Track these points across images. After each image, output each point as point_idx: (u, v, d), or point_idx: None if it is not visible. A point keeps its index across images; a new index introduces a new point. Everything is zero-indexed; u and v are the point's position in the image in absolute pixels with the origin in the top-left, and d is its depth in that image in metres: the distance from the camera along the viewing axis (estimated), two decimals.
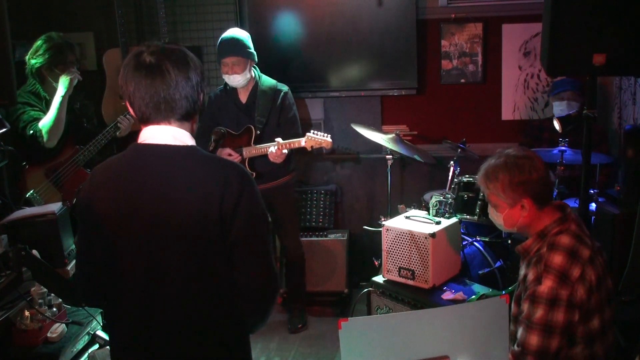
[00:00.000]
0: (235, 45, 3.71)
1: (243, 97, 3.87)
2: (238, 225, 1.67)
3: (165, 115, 1.73)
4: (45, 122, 3.35)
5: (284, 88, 3.89)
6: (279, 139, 3.66)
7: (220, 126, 3.86)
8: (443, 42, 4.37)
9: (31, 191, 3.38)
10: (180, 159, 1.72)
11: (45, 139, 3.34)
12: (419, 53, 4.37)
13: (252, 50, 3.78)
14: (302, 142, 3.64)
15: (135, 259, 1.71)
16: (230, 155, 3.78)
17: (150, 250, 1.69)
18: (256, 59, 3.82)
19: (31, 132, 3.32)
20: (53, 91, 3.49)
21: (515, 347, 2.10)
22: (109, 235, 1.72)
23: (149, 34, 4.58)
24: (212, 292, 1.72)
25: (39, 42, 3.46)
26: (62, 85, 3.39)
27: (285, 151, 3.66)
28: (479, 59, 4.36)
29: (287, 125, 3.84)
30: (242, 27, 4.39)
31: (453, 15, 4.31)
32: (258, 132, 3.79)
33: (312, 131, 3.67)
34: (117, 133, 3.64)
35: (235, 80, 3.75)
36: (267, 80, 3.89)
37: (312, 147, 3.65)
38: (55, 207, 2.59)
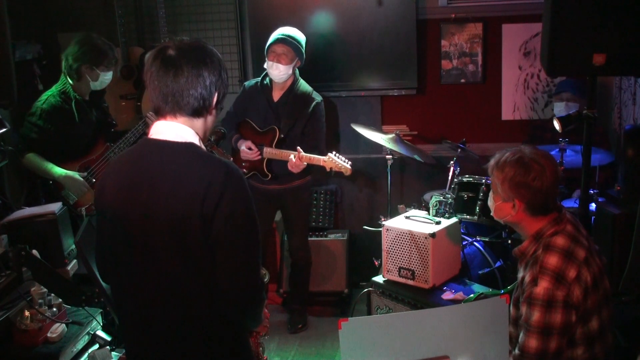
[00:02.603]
0: (290, 37, 3.73)
1: (276, 96, 3.86)
2: (218, 226, 1.67)
3: (171, 109, 1.76)
4: (32, 165, 3.37)
5: (318, 98, 3.87)
6: (301, 150, 3.61)
7: (247, 118, 3.89)
8: (443, 42, 4.37)
9: (65, 189, 3.40)
10: (175, 155, 1.75)
11: (23, 162, 3.37)
12: (419, 53, 4.37)
13: (304, 52, 3.79)
14: (322, 161, 3.58)
15: (130, 248, 1.76)
16: (250, 148, 3.78)
17: (142, 242, 1.73)
18: (303, 62, 3.83)
19: (20, 146, 3.36)
20: (86, 90, 3.54)
21: (516, 351, 2.10)
22: (110, 223, 1.79)
23: (149, 34, 4.58)
24: (200, 288, 1.73)
25: (77, 42, 3.47)
26: (67, 185, 3.40)
27: (304, 163, 3.63)
28: (479, 59, 4.36)
29: (311, 136, 3.81)
30: (242, 27, 4.41)
31: (453, 15, 4.31)
32: (282, 135, 3.78)
33: (334, 153, 3.60)
34: (146, 130, 3.66)
35: (278, 70, 3.72)
36: (304, 86, 3.88)
37: (331, 168, 3.59)
38: (55, 207, 2.59)
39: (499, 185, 2.21)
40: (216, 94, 1.81)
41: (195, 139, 1.78)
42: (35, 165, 3.36)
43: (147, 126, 3.66)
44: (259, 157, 3.80)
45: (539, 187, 2.13)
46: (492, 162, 2.26)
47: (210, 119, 1.85)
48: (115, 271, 1.83)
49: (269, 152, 3.77)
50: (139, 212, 1.72)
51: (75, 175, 3.41)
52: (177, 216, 1.67)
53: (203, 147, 1.82)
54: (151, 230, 1.71)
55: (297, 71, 3.86)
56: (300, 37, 3.79)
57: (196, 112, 1.78)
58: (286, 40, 3.72)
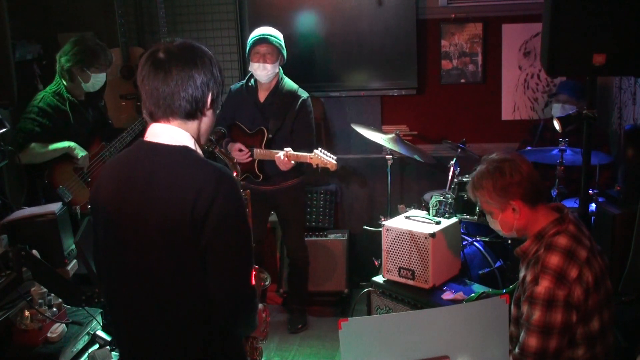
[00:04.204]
0: (271, 37, 3.72)
1: (262, 96, 3.85)
2: (208, 232, 1.64)
3: (164, 113, 1.74)
4: (38, 152, 3.36)
5: (304, 95, 3.86)
6: (289, 149, 3.64)
7: (236, 121, 3.89)
8: (443, 42, 4.38)
9: (60, 187, 3.42)
10: (168, 159, 1.73)
11: (22, 158, 3.35)
12: (419, 53, 4.37)
13: (284, 49, 3.78)
14: (309, 158, 3.61)
15: (121, 251, 1.75)
16: (240, 150, 3.79)
17: (133, 246, 1.72)
18: (285, 60, 3.82)
19: (20, 141, 3.34)
20: (78, 92, 3.55)
21: (516, 350, 2.10)
22: (104, 225, 1.78)
23: (149, 34, 4.58)
24: (191, 293, 1.71)
25: (70, 43, 3.49)
26: (78, 149, 3.42)
27: (292, 162, 3.65)
28: (479, 59, 4.36)
29: (300, 133, 3.82)
30: (242, 27, 4.40)
31: (453, 15, 4.31)
32: (270, 135, 3.78)
33: (320, 149, 3.63)
34: (143, 129, 3.65)
35: (265, 70, 3.71)
36: (289, 84, 3.87)
37: (317, 165, 3.62)
38: (55, 207, 2.59)
39: (489, 202, 2.22)
40: (210, 94, 1.78)
41: (189, 142, 1.76)
42: (40, 151, 3.36)
43: (143, 126, 3.67)
44: (250, 158, 3.80)
45: (520, 178, 2.16)
46: (468, 190, 2.30)
47: (205, 120, 1.81)
48: (108, 272, 1.82)
49: (259, 153, 3.77)
50: (131, 215, 1.71)
51: (82, 148, 3.44)
52: (168, 221, 1.65)
53: (199, 150, 1.79)
54: (143, 234, 1.69)
55: (281, 70, 3.86)
56: (280, 35, 3.79)
57: (189, 114, 1.75)
58: (268, 40, 3.71)
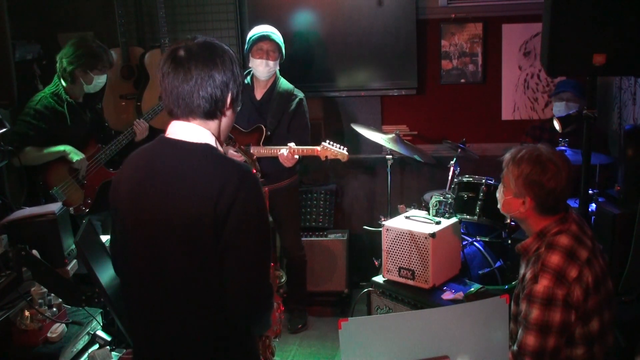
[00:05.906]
0: (274, 34, 3.73)
1: (258, 94, 3.85)
2: (229, 230, 1.64)
3: (183, 112, 1.74)
4: (33, 155, 3.37)
5: (300, 94, 3.88)
6: (292, 144, 3.63)
7: None
8: (443, 42, 4.38)
9: (54, 188, 3.42)
10: (190, 156, 1.72)
11: (22, 159, 3.31)
12: (419, 53, 4.37)
13: (284, 48, 3.79)
14: (316, 150, 3.61)
15: (139, 246, 1.74)
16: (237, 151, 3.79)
17: (152, 241, 1.72)
18: (284, 59, 3.82)
19: (15, 144, 3.29)
20: (79, 93, 3.56)
21: (515, 347, 2.10)
22: (122, 219, 1.78)
23: (149, 34, 4.59)
24: (207, 290, 1.71)
25: (72, 45, 3.48)
26: (73, 153, 3.44)
27: (296, 156, 3.65)
28: (479, 59, 4.36)
29: (297, 132, 3.82)
30: (242, 27, 4.41)
31: (453, 15, 4.31)
32: (268, 133, 3.78)
33: (327, 141, 3.62)
34: (134, 138, 3.65)
35: (268, 66, 3.71)
36: (285, 83, 3.88)
37: (326, 157, 3.61)
38: (55, 207, 2.59)
39: (512, 181, 2.19)
40: (229, 94, 1.77)
41: (211, 140, 1.76)
42: (36, 155, 3.37)
43: (133, 135, 3.66)
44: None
45: (553, 187, 2.12)
46: (508, 156, 2.24)
47: (225, 120, 1.81)
48: (125, 267, 1.82)
49: (258, 150, 3.73)
50: (150, 211, 1.71)
51: (78, 152, 3.45)
52: (189, 217, 1.65)
53: (220, 148, 1.79)
54: (162, 229, 1.69)
55: (277, 69, 3.86)
56: (280, 34, 3.80)
57: (209, 114, 1.75)
58: (271, 37, 3.71)
